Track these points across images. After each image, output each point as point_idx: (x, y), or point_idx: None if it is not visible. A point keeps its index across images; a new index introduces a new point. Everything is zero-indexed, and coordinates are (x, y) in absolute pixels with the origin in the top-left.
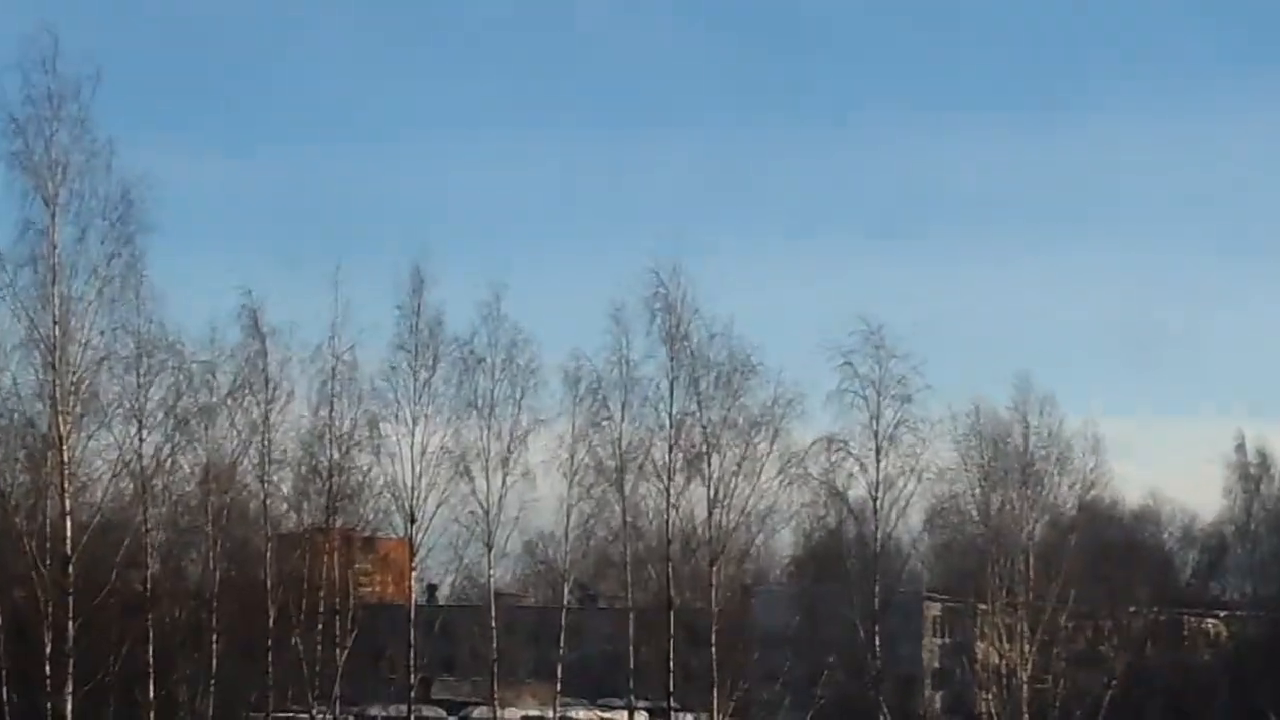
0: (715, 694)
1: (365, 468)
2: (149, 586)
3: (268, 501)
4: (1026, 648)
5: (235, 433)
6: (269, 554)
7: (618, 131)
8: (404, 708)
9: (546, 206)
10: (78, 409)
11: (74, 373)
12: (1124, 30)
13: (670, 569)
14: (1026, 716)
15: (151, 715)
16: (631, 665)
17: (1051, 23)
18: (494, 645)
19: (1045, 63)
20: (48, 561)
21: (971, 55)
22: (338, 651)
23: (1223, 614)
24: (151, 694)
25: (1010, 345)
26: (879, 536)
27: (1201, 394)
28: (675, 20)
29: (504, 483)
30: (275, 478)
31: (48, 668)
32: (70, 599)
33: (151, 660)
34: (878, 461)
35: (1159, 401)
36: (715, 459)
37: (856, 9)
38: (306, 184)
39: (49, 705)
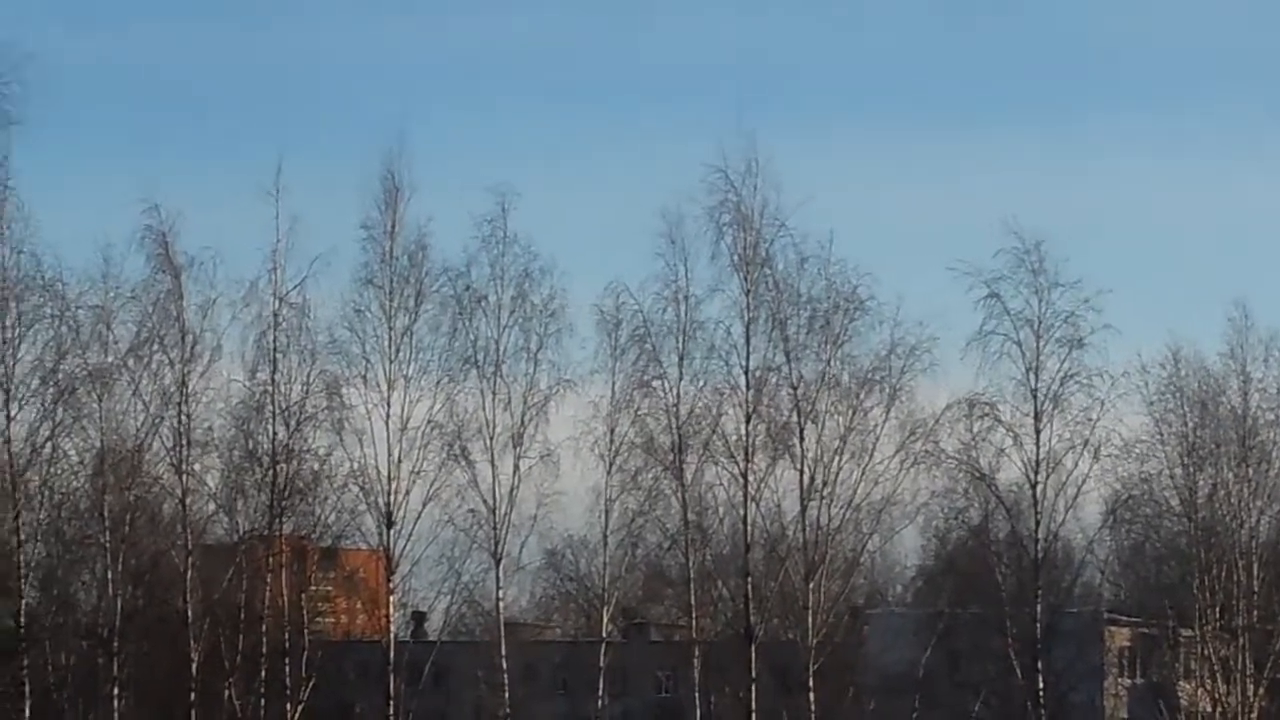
0: None
1: (323, 450)
2: (23, 621)
3: (187, 500)
4: (1251, 689)
5: (140, 405)
6: (189, 573)
7: None
8: None
9: (569, 81)
10: None
11: None
12: None
13: (750, 585)
14: None
15: None
16: (698, 719)
17: None
18: (505, 696)
19: None
20: None
21: None
22: (288, 708)
23: None
24: None
25: (1223, 264)
26: (1041, 536)
27: None
28: None
29: (516, 469)
30: (197, 467)
31: None
32: None
33: None
34: (1038, 432)
35: None
36: (810, 431)
37: None
38: (234, 58)
39: None
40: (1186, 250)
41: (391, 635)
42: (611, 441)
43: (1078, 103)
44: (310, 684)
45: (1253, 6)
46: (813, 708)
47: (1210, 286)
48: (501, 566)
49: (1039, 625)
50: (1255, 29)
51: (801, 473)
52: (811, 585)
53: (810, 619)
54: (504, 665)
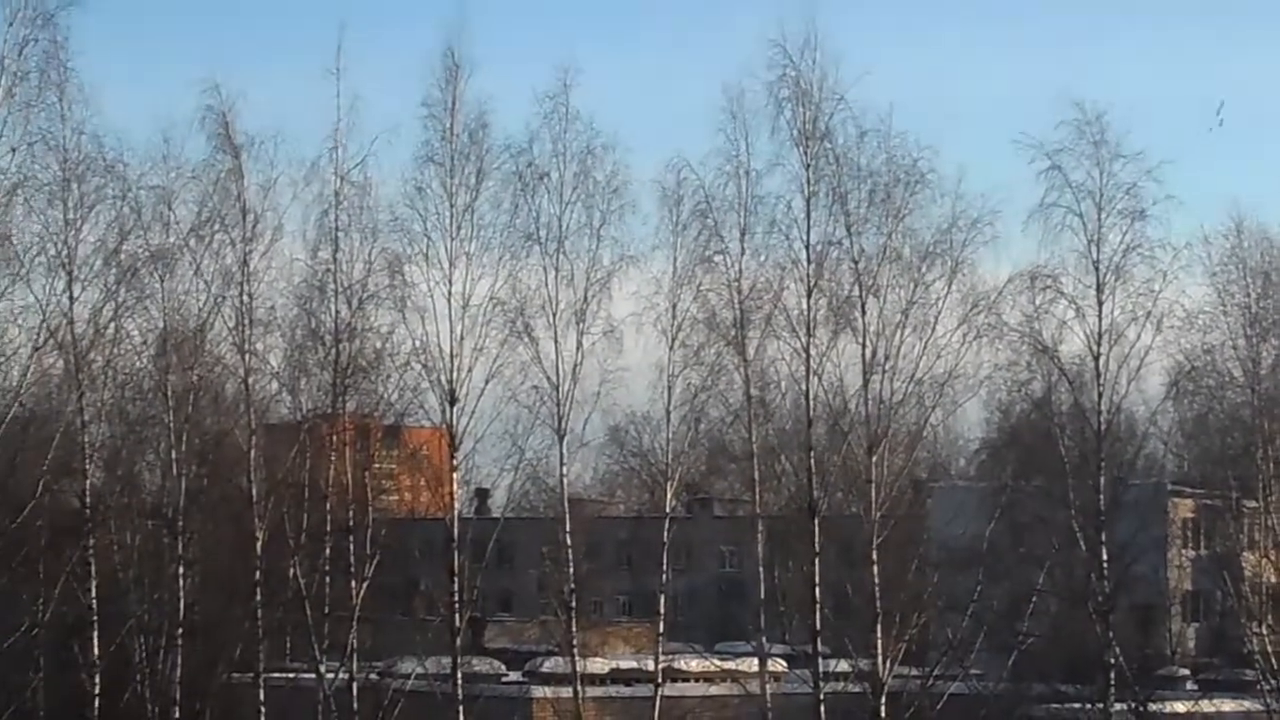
0: (879, 632)
1: (385, 329)
2: (88, 501)
3: (250, 380)
4: None
5: (202, 285)
6: (253, 452)
7: None
8: (447, 661)
9: None
10: None
11: None
12: None
13: (813, 460)
14: None
15: (95, 679)
16: (761, 595)
17: None
18: (570, 571)
19: None
20: None
21: None
22: (353, 585)
23: None
24: (95, 650)
25: None
26: (1104, 409)
27: None
28: None
29: (579, 345)
30: (260, 346)
31: None
32: None
33: (94, 603)
34: (1100, 304)
35: None
36: (872, 305)
37: None
38: None
39: None
40: (1248, 117)
41: (455, 512)
42: (674, 317)
43: None
44: (375, 561)
45: None
46: (876, 581)
47: (1273, 157)
48: (565, 443)
49: (1102, 497)
50: None
51: (864, 346)
52: (874, 459)
53: (873, 493)
54: (568, 541)
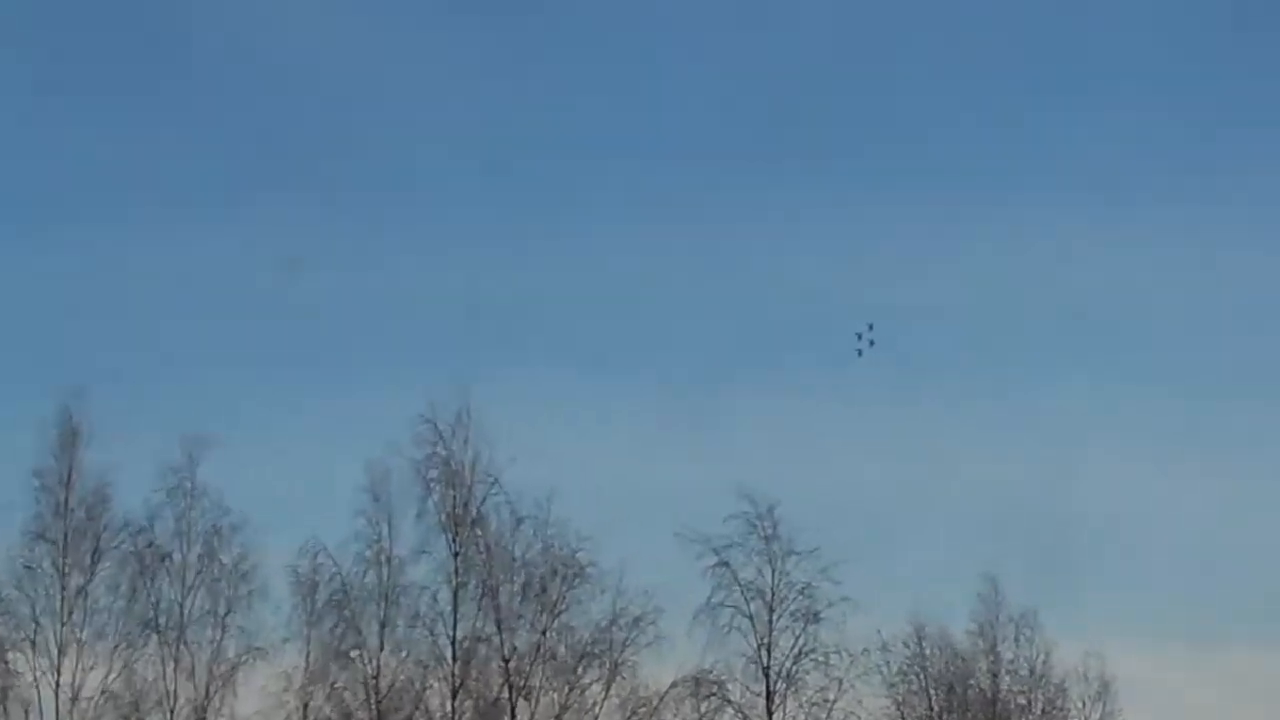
0: None
1: None
2: None
3: None
4: None
5: None
6: None
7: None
8: None
9: (263, 321)
10: None
11: None
12: None
13: None
14: None
15: None
16: None
17: None
18: None
19: None
20: None
21: None
22: None
23: None
24: None
25: (971, 538)
26: None
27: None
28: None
29: None
30: None
31: None
32: None
33: None
34: (770, 713)
35: (1196, 625)
36: (523, 708)
37: None
38: None
39: None
40: (930, 513)
41: None
42: (305, 716)
43: (811, 360)
44: None
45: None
46: None
47: (959, 560)
48: None
49: None
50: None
51: None
52: None
53: None
54: None
